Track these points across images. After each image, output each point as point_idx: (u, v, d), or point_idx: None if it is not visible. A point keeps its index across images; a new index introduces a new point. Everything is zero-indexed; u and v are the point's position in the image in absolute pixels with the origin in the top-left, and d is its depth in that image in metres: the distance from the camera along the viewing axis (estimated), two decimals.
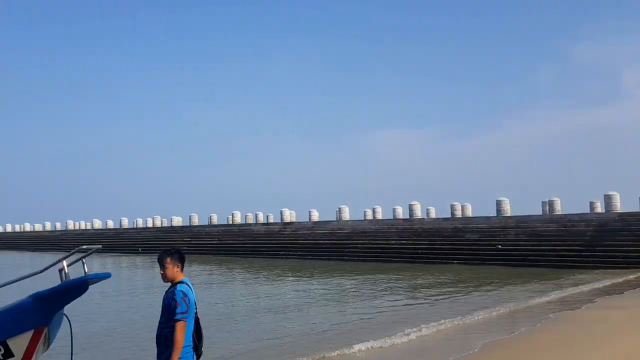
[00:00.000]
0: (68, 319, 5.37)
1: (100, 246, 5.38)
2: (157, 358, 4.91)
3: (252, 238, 41.46)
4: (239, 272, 28.93)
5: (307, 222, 40.42)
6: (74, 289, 4.88)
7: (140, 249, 45.93)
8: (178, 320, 4.75)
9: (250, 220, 45.47)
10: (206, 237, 45.18)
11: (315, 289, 20.82)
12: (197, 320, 5.01)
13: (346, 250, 34.09)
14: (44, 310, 4.90)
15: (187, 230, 48.75)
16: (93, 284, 5.03)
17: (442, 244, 30.95)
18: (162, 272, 5.04)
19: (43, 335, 5.00)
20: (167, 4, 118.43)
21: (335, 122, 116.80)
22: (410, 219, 35.03)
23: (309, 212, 40.59)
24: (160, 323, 4.94)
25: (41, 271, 5.02)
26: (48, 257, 46.42)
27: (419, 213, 35.25)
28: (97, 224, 61.80)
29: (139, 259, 40.21)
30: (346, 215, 39.10)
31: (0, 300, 5.69)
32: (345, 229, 37.03)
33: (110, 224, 59.84)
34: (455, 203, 33.78)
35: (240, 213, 46.58)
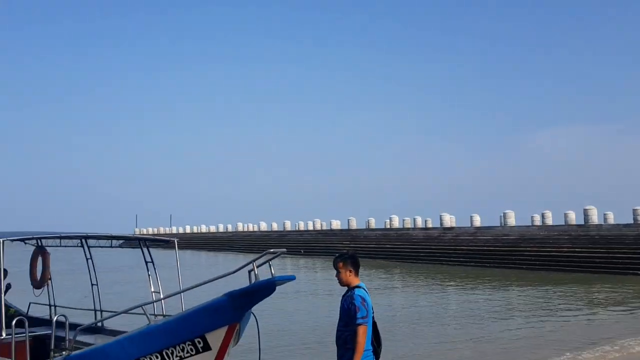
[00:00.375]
0: (255, 317, 5.65)
1: (285, 250, 5.62)
2: (337, 358, 4.98)
3: (410, 243, 40.95)
4: (398, 277, 28.69)
5: (468, 228, 38.87)
6: (263, 289, 5.09)
7: (302, 251, 47.83)
8: (359, 324, 4.79)
9: (408, 224, 45.00)
10: (364, 240, 45.63)
11: (480, 299, 19.79)
12: (374, 324, 5.03)
13: (513, 257, 32.08)
14: (236, 308, 5.19)
15: (345, 234, 49.71)
16: (280, 285, 5.18)
17: (623, 253, 27.70)
18: (336, 275, 5.11)
19: (235, 330, 5.31)
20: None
21: (492, 123, 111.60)
22: (586, 225, 31.95)
23: (471, 217, 39.00)
24: (339, 326, 5.00)
25: (234, 271, 5.30)
26: (221, 257, 50.43)
27: (595, 218, 32.02)
28: (263, 226, 65.75)
29: (302, 261, 41.94)
30: (512, 220, 36.86)
31: (197, 297, 6.12)
32: (512, 235, 34.90)
33: (275, 227, 63.32)
34: (638, 207, 30.05)
35: (398, 217, 46.34)
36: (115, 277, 26.44)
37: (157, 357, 5.45)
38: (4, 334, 6.98)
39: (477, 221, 38.78)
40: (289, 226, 60.52)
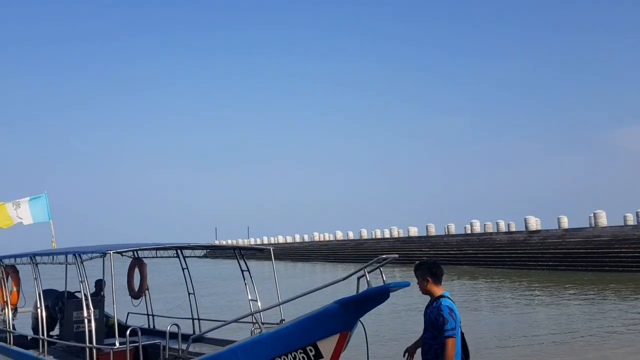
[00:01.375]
0: (363, 325, 5.52)
1: (396, 256, 5.44)
2: None
3: (493, 248, 39.51)
4: (482, 284, 27.69)
5: (555, 230, 36.99)
6: (376, 296, 4.96)
7: (397, 256, 47.28)
8: (448, 337, 4.62)
9: (490, 229, 43.51)
10: (444, 247, 44.53)
11: (574, 309, 18.66)
12: (462, 335, 4.86)
13: (607, 260, 30.19)
14: (348, 316, 5.10)
15: (424, 240, 48.75)
16: (393, 292, 5.03)
17: None
18: (418, 284, 4.98)
19: (347, 339, 5.21)
20: None
21: (572, 121, 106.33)
22: None
23: (558, 219, 37.11)
24: (424, 338, 4.86)
25: (344, 279, 5.19)
26: (299, 266, 50.78)
27: None
28: (339, 236, 65.80)
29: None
30: (603, 220, 34.74)
31: (307, 306, 6.08)
32: (604, 235, 32.88)
33: (351, 235, 63.19)
34: None
35: (479, 222, 44.92)
36: (207, 287, 27.22)
37: None
38: (117, 344, 7.18)
39: (565, 223, 36.84)
40: (365, 234, 60.19)
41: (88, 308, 7.64)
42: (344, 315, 5.10)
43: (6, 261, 10.97)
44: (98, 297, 10.89)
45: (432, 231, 49.61)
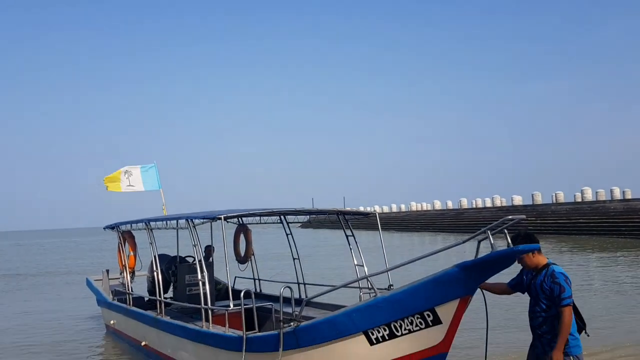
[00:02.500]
0: (482, 291, 5.18)
1: (524, 216, 5.03)
2: (537, 342, 4.74)
3: (608, 217, 36.80)
4: (596, 256, 25.86)
5: None
6: (502, 260, 4.58)
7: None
8: (566, 305, 4.49)
9: (602, 196, 40.55)
10: (552, 216, 42.13)
11: None
12: (573, 303, 4.68)
13: None
14: (469, 280, 4.81)
15: (530, 209, 46.42)
16: (520, 255, 4.62)
17: None
18: (518, 261, 4.84)
19: (468, 305, 4.95)
20: None
21: None
22: None
23: None
24: (535, 311, 4.74)
25: (464, 241, 4.85)
26: (397, 236, 50.36)
27: None
28: (438, 205, 64.41)
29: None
30: None
31: (414, 275, 5.83)
32: None
33: (450, 205, 61.61)
34: None
35: (590, 189, 41.99)
36: (308, 255, 27.69)
37: (384, 330, 5.28)
38: (231, 305, 7.31)
39: None
40: (465, 204, 58.43)
41: (202, 271, 7.83)
42: (466, 280, 4.79)
43: (123, 227, 11.59)
44: (207, 262, 11.26)
45: (539, 200, 47.06)
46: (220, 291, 12.01)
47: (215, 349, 7.08)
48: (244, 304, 6.85)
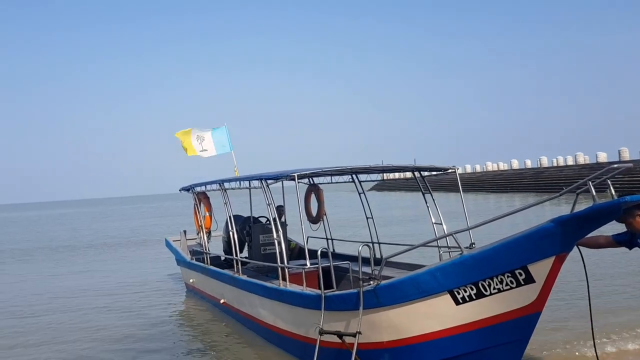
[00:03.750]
0: (579, 250, 4.76)
1: (631, 165, 4.53)
2: None
3: None
4: None
5: None
6: (605, 212, 4.14)
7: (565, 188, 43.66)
8: None
9: None
10: None
11: None
12: None
13: None
14: (567, 236, 4.44)
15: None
16: (627, 207, 4.15)
17: None
18: (627, 226, 4.60)
19: (563, 263, 4.61)
20: None
21: None
22: None
23: None
24: None
25: (558, 195, 4.42)
26: (471, 197, 49.02)
27: None
28: (515, 164, 61.96)
29: (563, 201, 38.15)
30: None
31: (493, 235, 5.47)
32: None
33: (529, 164, 59.09)
34: None
35: None
36: (380, 215, 27.41)
37: (472, 289, 4.99)
38: (308, 264, 7.23)
39: None
40: (545, 162, 55.79)
41: (277, 230, 7.79)
42: (562, 236, 4.40)
43: (198, 189, 11.75)
44: (280, 222, 11.26)
45: (626, 156, 44.05)
46: (293, 251, 12.03)
47: (294, 307, 7.05)
48: (322, 262, 6.72)
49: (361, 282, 5.84)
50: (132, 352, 8.24)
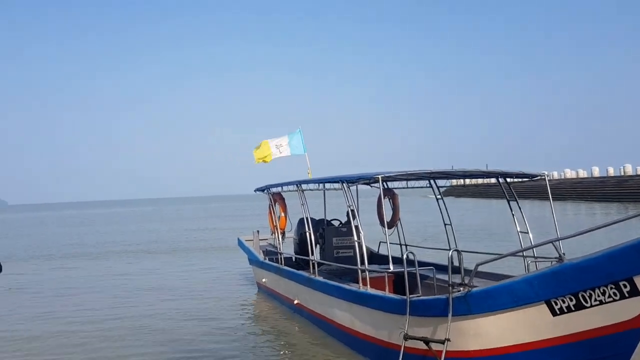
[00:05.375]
0: None
1: None
2: None
3: None
4: None
5: None
6: None
7: None
8: None
9: None
10: None
11: None
12: None
13: None
14: None
15: None
16: None
17: None
18: None
19: None
20: None
21: None
22: None
23: None
24: None
25: None
26: (546, 204, 46.86)
27: None
28: (596, 172, 58.94)
29: None
30: None
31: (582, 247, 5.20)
32: None
33: (611, 171, 56.01)
34: None
35: None
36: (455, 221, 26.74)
37: (571, 300, 4.76)
38: (391, 268, 7.15)
39: None
40: (629, 170, 52.67)
41: (358, 233, 7.77)
42: None
43: (273, 189, 11.87)
44: (350, 225, 11.19)
45: None
46: (362, 255, 11.93)
47: (375, 311, 6.96)
48: (396, 268, 6.61)
49: (450, 288, 5.69)
50: (207, 353, 8.25)
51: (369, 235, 8.75)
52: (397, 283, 8.68)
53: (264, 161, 13.21)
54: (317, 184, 10.58)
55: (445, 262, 8.87)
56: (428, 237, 21.31)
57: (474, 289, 5.46)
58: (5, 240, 34.75)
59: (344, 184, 8.21)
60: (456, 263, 9.13)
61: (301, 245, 11.34)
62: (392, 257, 10.59)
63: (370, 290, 7.32)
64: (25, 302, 13.12)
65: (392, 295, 6.76)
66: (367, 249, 12.52)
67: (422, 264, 9.89)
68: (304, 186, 10.20)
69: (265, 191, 12.34)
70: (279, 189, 11.57)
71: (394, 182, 10.63)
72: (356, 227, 10.62)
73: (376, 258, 11.41)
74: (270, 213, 12.12)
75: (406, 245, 11.14)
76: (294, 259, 11.42)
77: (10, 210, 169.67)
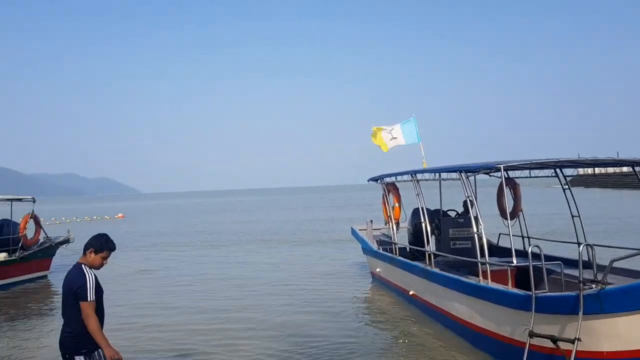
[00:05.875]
0: None
1: None
2: None
3: None
4: None
5: None
6: None
7: None
8: None
9: None
10: None
11: None
12: None
13: None
14: None
15: None
16: None
17: None
18: None
19: None
20: None
21: None
22: None
23: None
24: None
25: None
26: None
27: None
28: None
29: None
30: None
31: None
32: None
33: None
34: None
35: None
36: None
37: None
38: (514, 261, 6.92)
39: None
40: None
41: (477, 223, 7.51)
42: None
43: (387, 179, 11.79)
44: (467, 216, 10.80)
45: None
46: (482, 247, 11.48)
47: (497, 306, 6.72)
48: (520, 262, 6.29)
49: (581, 284, 5.32)
50: (323, 340, 8.34)
51: (488, 226, 8.40)
52: (519, 277, 8.27)
53: (383, 150, 13.14)
54: (432, 174, 10.31)
55: (572, 257, 8.32)
56: (554, 229, 20.06)
57: (609, 287, 5.06)
58: (144, 226, 37.82)
59: (462, 174, 7.93)
60: (585, 258, 8.55)
61: (415, 236, 11.16)
62: (516, 250, 10.13)
63: (492, 284, 7.04)
64: (153, 283, 14.19)
65: (516, 291, 6.45)
66: (487, 241, 12.09)
67: (548, 257, 9.38)
68: (418, 176, 10.01)
69: (379, 181, 12.29)
70: (393, 179, 11.45)
71: (515, 172, 10.10)
72: (475, 217, 10.27)
73: (496, 250, 10.94)
74: (384, 203, 12.05)
75: (529, 238, 10.57)
76: (408, 250, 11.29)
77: (143, 198, 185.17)
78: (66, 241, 16.67)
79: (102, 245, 4.59)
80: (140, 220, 46.63)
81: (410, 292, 9.80)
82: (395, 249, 10.94)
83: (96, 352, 4.41)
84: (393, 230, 11.41)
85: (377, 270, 12.33)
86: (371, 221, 14.19)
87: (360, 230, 14.48)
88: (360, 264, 15.38)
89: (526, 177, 11.05)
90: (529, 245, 10.69)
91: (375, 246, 12.62)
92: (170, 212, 62.05)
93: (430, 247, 9.42)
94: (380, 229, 14.05)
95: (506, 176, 10.48)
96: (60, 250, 16.88)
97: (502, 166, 6.95)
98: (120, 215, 52.48)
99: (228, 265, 17.26)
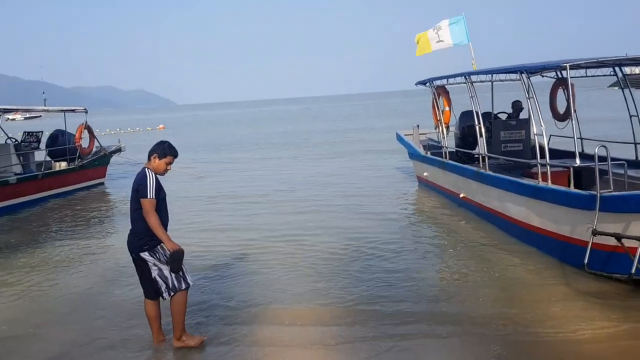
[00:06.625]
0: None
1: None
2: None
3: None
4: None
5: None
6: None
7: None
8: None
9: None
10: None
11: None
12: None
13: None
14: None
15: None
16: None
17: None
18: None
19: None
20: None
21: None
22: None
23: None
24: None
25: None
26: None
27: None
28: None
29: None
30: None
31: None
32: None
33: None
34: None
35: None
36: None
37: None
38: (578, 161, 6.95)
39: None
40: None
41: (539, 125, 7.45)
42: None
43: (437, 82, 11.58)
44: (519, 118, 10.63)
45: None
46: (532, 149, 11.38)
47: (557, 206, 6.77)
48: (573, 163, 6.29)
49: None
50: (373, 242, 8.43)
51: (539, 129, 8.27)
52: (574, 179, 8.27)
53: (426, 52, 12.75)
54: (486, 76, 10.08)
55: (631, 158, 8.22)
56: (608, 131, 19.51)
57: None
58: (185, 137, 38.50)
59: (523, 74, 7.73)
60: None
61: (463, 139, 11.11)
62: (567, 152, 9.97)
63: (552, 185, 7.07)
64: (213, 188, 14.63)
65: (579, 191, 6.46)
66: (541, 143, 11.93)
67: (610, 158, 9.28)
68: (478, 77, 9.81)
69: (428, 84, 12.09)
70: (444, 81, 11.24)
71: (571, 72, 9.76)
72: (525, 120, 10.10)
73: (549, 152, 10.87)
74: (434, 107, 11.92)
75: (581, 139, 10.41)
76: (456, 153, 11.29)
77: (180, 109, 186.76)
78: (118, 150, 17.29)
79: (165, 151, 4.82)
80: (182, 131, 47.35)
81: (461, 195, 9.92)
82: (445, 152, 10.95)
83: (159, 246, 4.71)
84: (443, 133, 11.35)
85: (425, 174, 12.40)
86: (417, 126, 14.11)
87: (405, 135, 14.44)
88: (405, 169, 15.47)
89: (581, 77, 10.68)
90: (582, 147, 10.59)
91: (422, 150, 12.64)
92: (209, 123, 62.62)
93: (482, 149, 9.41)
94: (425, 133, 14.00)
95: (560, 76, 10.20)
96: (114, 159, 17.54)
97: (567, 65, 6.72)
98: (161, 126, 53.32)
99: (277, 173, 17.53)
